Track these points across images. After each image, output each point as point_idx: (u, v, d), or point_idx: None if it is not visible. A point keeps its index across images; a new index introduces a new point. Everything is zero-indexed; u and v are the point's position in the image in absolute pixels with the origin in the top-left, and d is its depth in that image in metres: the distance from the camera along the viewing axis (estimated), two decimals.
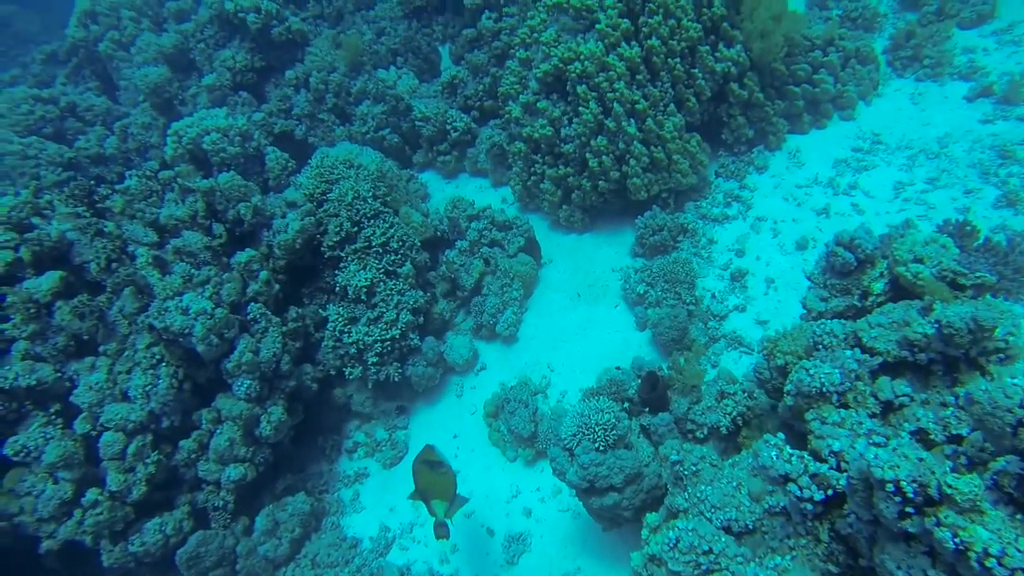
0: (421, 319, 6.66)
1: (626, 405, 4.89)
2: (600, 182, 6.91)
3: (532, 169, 7.60)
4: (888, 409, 3.07)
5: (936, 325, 2.96)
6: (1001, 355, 3.19)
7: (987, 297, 3.41)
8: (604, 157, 6.74)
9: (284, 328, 6.07)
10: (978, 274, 3.45)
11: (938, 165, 6.39)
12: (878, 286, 3.72)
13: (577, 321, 6.77)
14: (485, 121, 9.10)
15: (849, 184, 6.58)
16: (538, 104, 7.12)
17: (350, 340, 6.21)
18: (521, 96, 7.40)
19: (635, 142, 6.62)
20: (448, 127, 8.87)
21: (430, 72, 10.26)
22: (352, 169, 7.10)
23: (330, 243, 6.42)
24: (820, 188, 6.72)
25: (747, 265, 6.35)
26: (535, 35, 7.39)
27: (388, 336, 6.24)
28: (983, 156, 6.27)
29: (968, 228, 3.72)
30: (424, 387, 6.68)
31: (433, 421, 6.70)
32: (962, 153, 6.41)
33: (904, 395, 3.01)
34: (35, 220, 5.71)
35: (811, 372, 3.09)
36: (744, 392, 4.27)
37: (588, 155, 6.83)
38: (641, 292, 6.35)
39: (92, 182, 6.19)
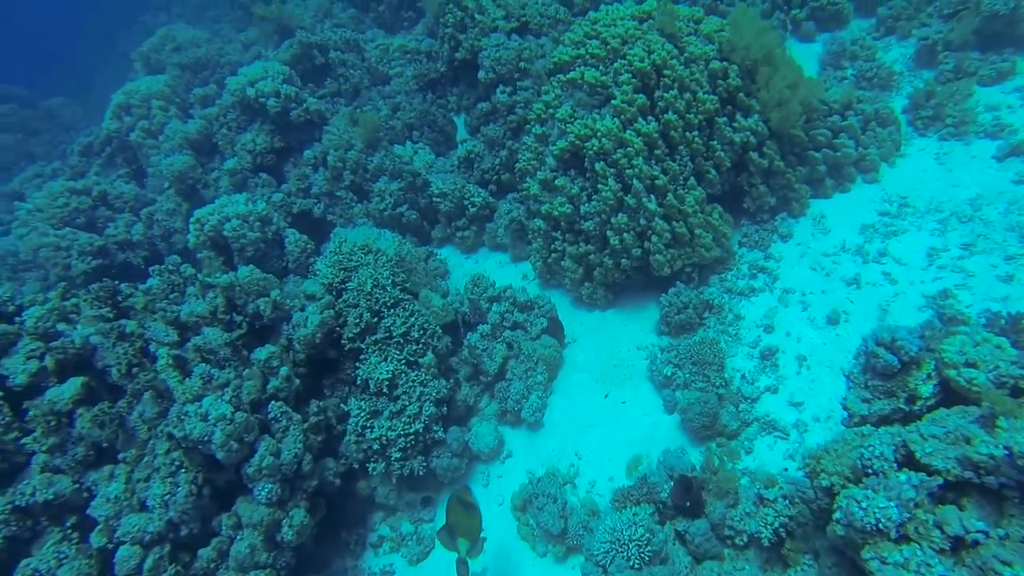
0: (444, 409, 6.50)
1: (659, 507, 4.64)
2: (622, 260, 6.79)
3: (552, 246, 7.51)
4: (959, 545, 2.80)
5: (1007, 452, 2.71)
6: None
7: None
8: (625, 234, 6.63)
9: (305, 424, 5.95)
10: None
11: (972, 229, 6.14)
12: (926, 389, 3.48)
13: (604, 404, 6.54)
14: (503, 194, 9.11)
15: (879, 251, 6.35)
16: (556, 181, 7.08)
17: (373, 436, 6.05)
18: (538, 172, 7.38)
19: (656, 218, 6.51)
20: (466, 202, 8.88)
21: (446, 144, 10.37)
22: (371, 255, 7.09)
23: (350, 335, 6.34)
24: (848, 256, 6.50)
25: (777, 342, 6.10)
26: (550, 111, 7.42)
27: (412, 431, 6.08)
28: (1022, 219, 6.02)
29: (1023, 322, 3.48)
30: (450, 478, 6.48)
31: None
32: (998, 216, 6.17)
33: (978, 531, 2.74)
34: (60, 326, 5.76)
35: (864, 506, 2.84)
36: (784, 498, 4.00)
37: (609, 232, 6.73)
38: (668, 374, 6.13)
39: (116, 282, 6.24)
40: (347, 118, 10.15)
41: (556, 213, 7.07)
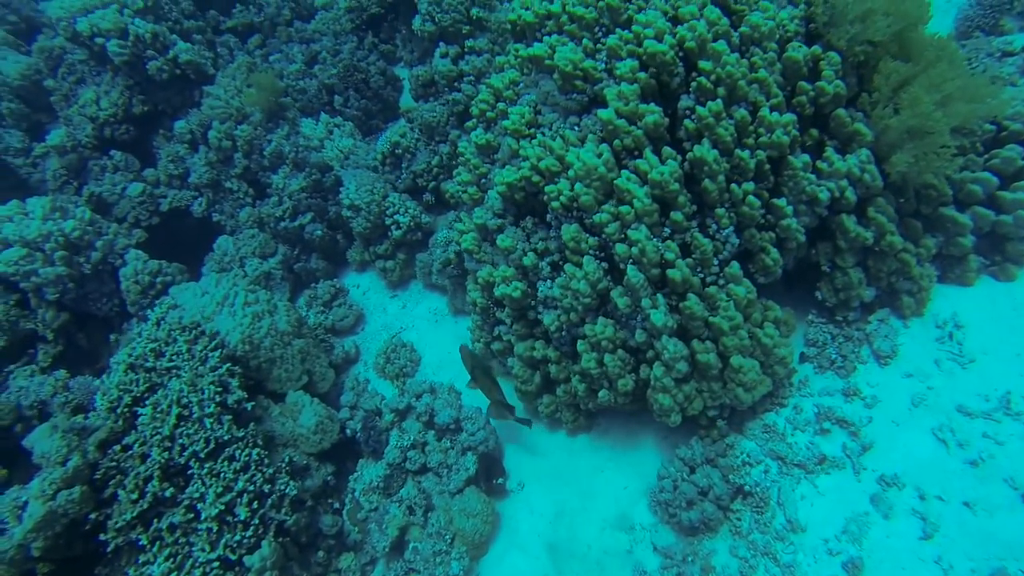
0: None
1: None
2: (600, 391, 3.95)
3: (495, 332, 4.65)
4: None
5: None
6: None
7: None
8: (607, 356, 3.76)
9: None
10: None
11: None
12: None
13: None
14: (443, 209, 6.14)
15: None
16: (500, 239, 4.12)
17: None
18: (476, 211, 4.42)
19: (664, 336, 3.60)
20: (387, 220, 5.93)
21: (384, 115, 7.24)
22: (198, 345, 4.34)
23: (119, 524, 3.65)
24: (1011, 423, 3.59)
25: None
26: (501, 106, 4.37)
27: None
28: None
29: None
30: None
31: None
32: None
33: None
34: None
35: None
36: None
37: (581, 346, 3.86)
38: None
39: None
40: (243, 72, 7.04)
41: (499, 293, 4.16)
